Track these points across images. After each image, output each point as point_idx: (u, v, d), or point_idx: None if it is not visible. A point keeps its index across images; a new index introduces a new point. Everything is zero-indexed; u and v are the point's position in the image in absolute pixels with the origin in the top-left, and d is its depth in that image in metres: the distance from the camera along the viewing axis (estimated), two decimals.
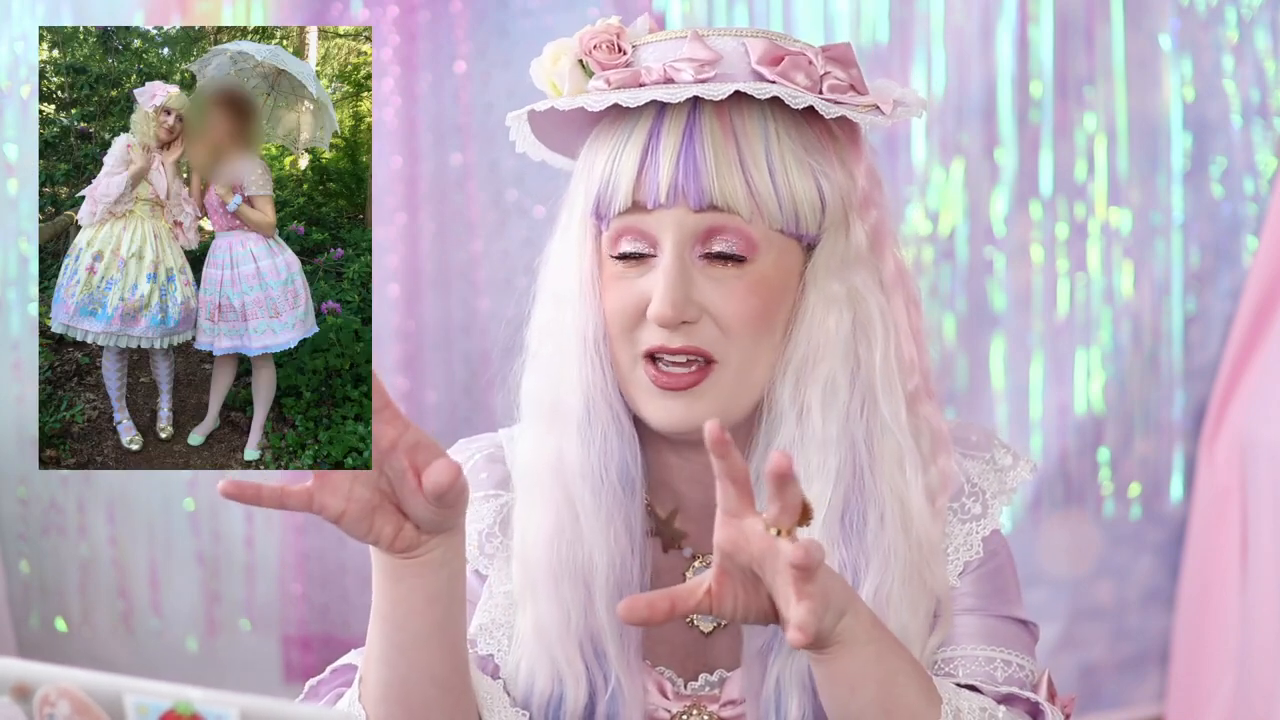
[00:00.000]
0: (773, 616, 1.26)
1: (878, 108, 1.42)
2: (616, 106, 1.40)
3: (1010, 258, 3.21)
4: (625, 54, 1.42)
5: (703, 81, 1.38)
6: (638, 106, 1.39)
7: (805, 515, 1.22)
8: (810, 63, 1.40)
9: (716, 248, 1.38)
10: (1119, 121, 3.19)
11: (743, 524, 1.23)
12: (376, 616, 1.33)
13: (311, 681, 1.46)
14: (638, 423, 1.45)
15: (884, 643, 1.31)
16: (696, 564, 1.47)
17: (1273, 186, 3.16)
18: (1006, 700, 1.41)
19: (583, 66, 1.43)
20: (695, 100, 1.38)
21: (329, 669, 1.47)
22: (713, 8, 3.25)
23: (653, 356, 1.39)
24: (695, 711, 1.45)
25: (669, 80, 1.39)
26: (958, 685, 1.40)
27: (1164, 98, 3.19)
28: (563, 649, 1.42)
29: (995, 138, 3.20)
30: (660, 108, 1.39)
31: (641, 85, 1.40)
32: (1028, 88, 3.19)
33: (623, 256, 1.40)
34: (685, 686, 1.46)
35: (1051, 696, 1.44)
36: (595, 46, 1.42)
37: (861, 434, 1.40)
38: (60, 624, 3.44)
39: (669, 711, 1.45)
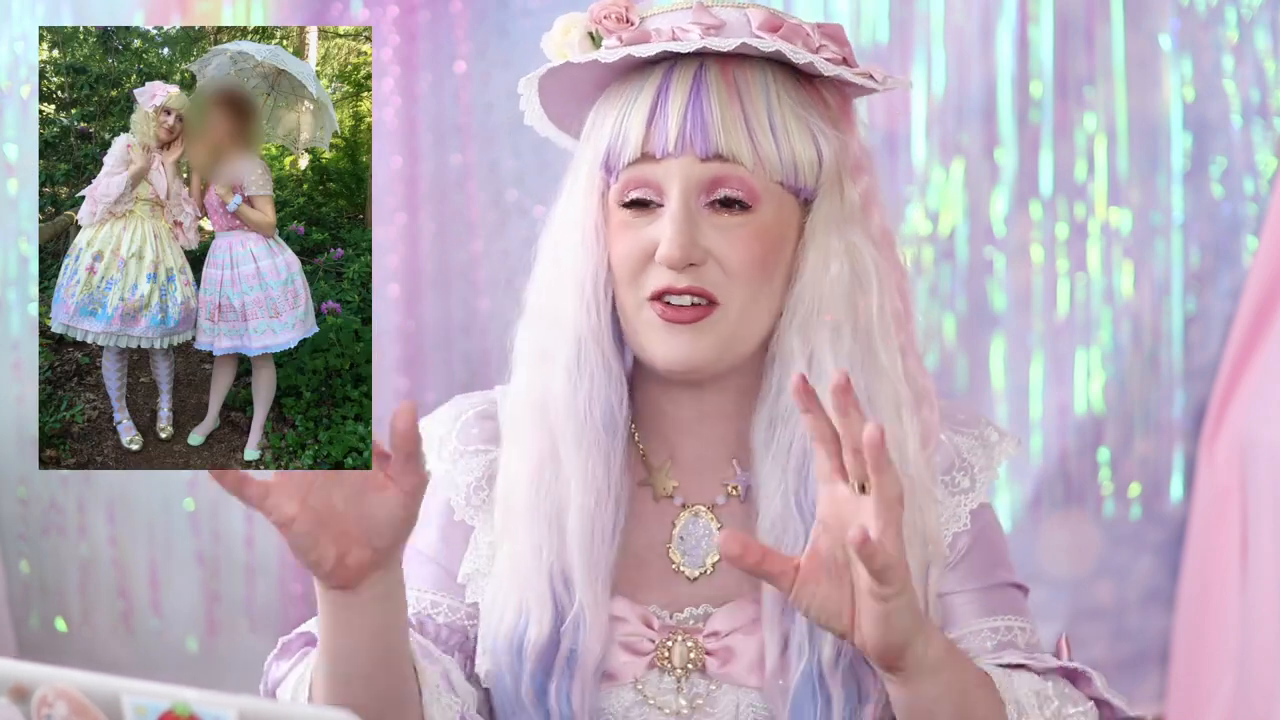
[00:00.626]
0: (848, 624, 1.32)
1: (870, 75, 1.51)
2: (626, 72, 1.49)
3: (1010, 258, 3.21)
4: (634, 24, 1.49)
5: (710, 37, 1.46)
6: (646, 68, 1.47)
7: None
8: (808, 34, 1.48)
9: (721, 194, 1.45)
10: (1119, 121, 3.19)
11: (834, 490, 1.30)
12: (321, 649, 1.34)
13: (283, 638, 1.48)
14: (635, 376, 1.53)
15: (956, 665, 1.38)
16: (685, 513, 1.53)
17: (1273, 186, 3.16)
18: (1046, 674, 1.47)
19: (592, 38, 1.51)
20: (701, 62, 1.46)
21: (295, 631, 1.49)
22: None
23: (658, 298, 1.46)
24: (681, 637, 1.49)
25: (676, 39, 1.46)
26: (1002, 666, 1.45)
27: (1164, 98, 3.18)
28: (532, 581, 1.47)
29: (995, 138, 3.20)
30: (668, 69, 1.47)
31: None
32: (1028, 88, 3.18)
33: (631, 204, 1.47)
34: (671, 617, 1.50)
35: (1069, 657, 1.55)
36: (605, 17, 1.50)
37: (862, 382, 1.47)
38: (60, 624, 3.44)
39: (652, 641, 1.49)
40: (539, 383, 1.50)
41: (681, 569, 1.52)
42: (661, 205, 1.46)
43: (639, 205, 1.48)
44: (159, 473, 2.83)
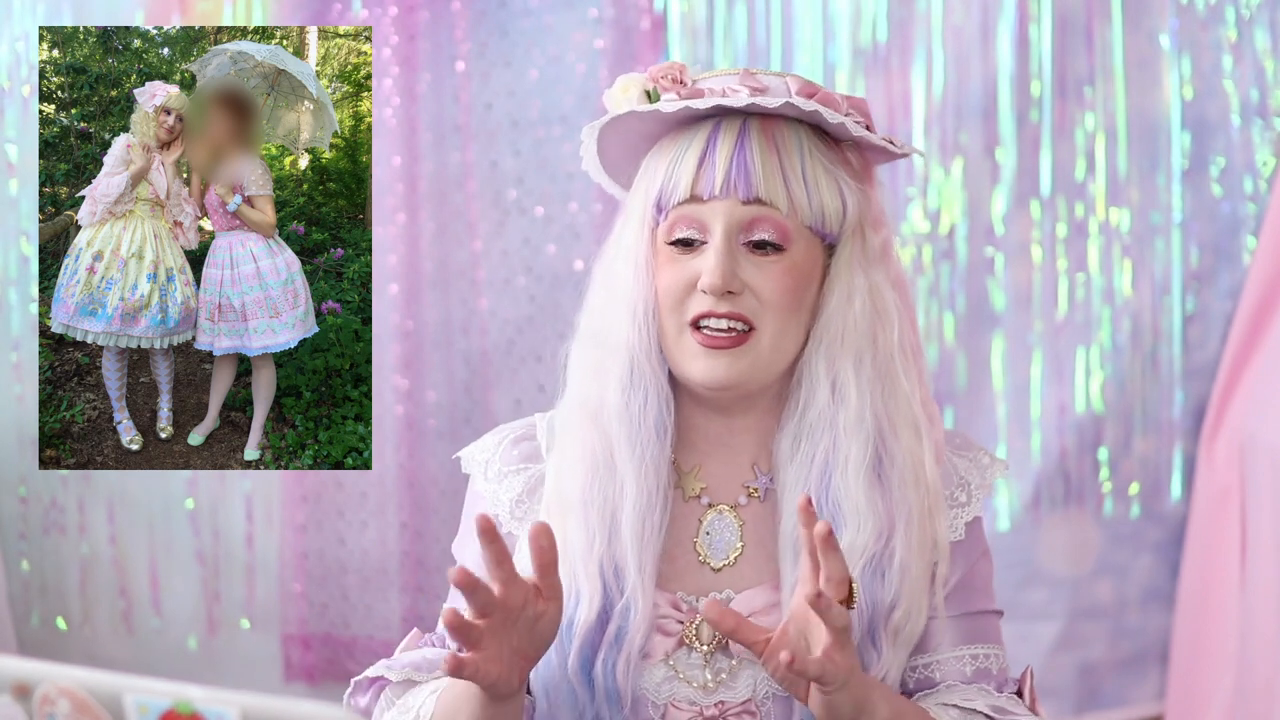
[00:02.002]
0: (802, 694, 1.56)
1: (890, 141, 1.72)
2: (678, 125, 1.70)
3: (1010, 257, 3.21)
4: (687, 85, 1.70)
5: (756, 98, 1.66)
6: (697, 122, 1.69)
7: (850, 598, 1.49)
8: (838, 102, 1.69)
9: (758, 236, 1.65)
10: (1119, 121, 3.19)
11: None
12: None
13: (355, 679, 1.70)
14: (673, 392, 1.72)
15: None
16: (711, 512, 1.71)
17: (1272, 186, 3.16)
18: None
19: (649, 95, 1.71)
20: (745, 119, 1.67)
21: (367, 676, 1.68)
22: (713, 8, 3.25)
23: (698, 325, 1.66)
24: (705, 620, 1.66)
25: (727, 97, 1.66)
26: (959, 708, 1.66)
27: (1163, 97, 3.19)
28: (584, 567, 1.66)
29: (995, 137, 3.20)
30: (716, 123, 1.68)
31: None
32: (1028, 87, 3.19)
33: (677, 242, 1.67)
34: (697, 601, 1.67)
35: (1033, 696, 1.71)
36: (662, 77, 1.70)
37: (882, 405, 1.68)
38: (61, 623, 3.45)
39: (681, 623, 1.67)
40: (593, 394, 1.70)
41: (707, 561, 1.70)
42: (705, 243, 1.66)
43: (684, 244, 1.67)
44: (159, 472, 2.83)
